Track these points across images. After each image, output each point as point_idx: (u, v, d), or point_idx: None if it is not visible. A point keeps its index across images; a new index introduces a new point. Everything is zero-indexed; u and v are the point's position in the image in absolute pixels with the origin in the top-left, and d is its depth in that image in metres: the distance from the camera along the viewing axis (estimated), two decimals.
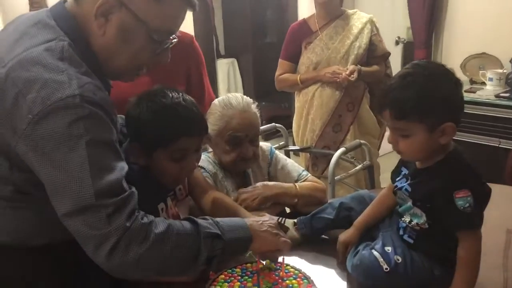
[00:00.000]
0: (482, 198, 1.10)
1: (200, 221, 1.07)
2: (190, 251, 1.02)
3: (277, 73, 2.73)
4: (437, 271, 1.15)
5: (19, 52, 0.92)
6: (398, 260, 1.15)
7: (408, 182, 1.18)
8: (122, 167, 0.97)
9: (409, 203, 1.18)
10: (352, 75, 2.47)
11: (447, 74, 1.10)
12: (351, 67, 2.50)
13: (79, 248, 1.07)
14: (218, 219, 1.12)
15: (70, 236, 1.05)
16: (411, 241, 1.19)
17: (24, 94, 0.89)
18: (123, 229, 0.91)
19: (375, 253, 1.18)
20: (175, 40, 1.08)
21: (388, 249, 1.18)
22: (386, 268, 1.14)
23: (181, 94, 1.26)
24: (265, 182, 1.61)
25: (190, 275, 1.05)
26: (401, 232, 1.22)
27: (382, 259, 1.15)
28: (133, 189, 0.98)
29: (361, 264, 1.17)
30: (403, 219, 1.21)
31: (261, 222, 1.19)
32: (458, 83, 1.10)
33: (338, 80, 2.49)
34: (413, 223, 1.17)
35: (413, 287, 1.15)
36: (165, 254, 0.97)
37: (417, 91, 1.06)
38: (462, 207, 1.05)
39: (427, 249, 1.17)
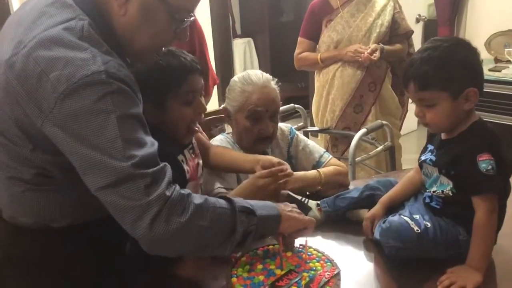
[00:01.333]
0: (504, 165, 1.13)
1: (232, 197, 1.06)
2: (227, 225, 1.01)
3: (296, 51, 2.67)
4: (462, 236, 1.18)
5: (39, 31, 0.91)
6: (428, 225, 1.18)
7: (434, 153, 1.23)
8: (153, 141, 0.96)
9: (435, 174, 1.21)
10: (374, 54, 2.41)
11: (463, 43, 1.16)
12: (373, 45, 2.44)
13: (101, 229, 1.07)
14: (247, 200, 1.10)
15: (91, 217, 1.06)
16: (438, 207, 1.22)
17: (48, 73, 0.87)
18: (163, 199, 0.90)
19: (405, 217, 1.20)
20: (192, 18, 1.06)
21: (416, 216, 1.21)
22: (417, 230, 1.16)
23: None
24: None
25: (225, 252, 1.03)
26: (427, 200, 1.25)
27: (412, 222, 1.18)
28: (166, 163, 0.97)
29: (390, 227, 1.18)
30: (428, 190, 1.25)
31: (284, 204, 1.19)
32: (475, 52, 1.16)
33: (360, 59, 2.43)
34: (437, 191, 1.21)
35: (440, 252, 1.17)
36: (204, 226, 0.96)
37: (437, 61, 1.11)
38: (485, 170, 1.09)
39: (453, 213, 1.19)
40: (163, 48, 1.13)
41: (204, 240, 0.98)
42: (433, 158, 1.21)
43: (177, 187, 0.95)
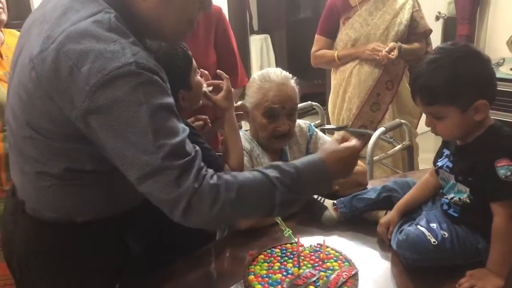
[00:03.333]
0: None
1: (268, 171, 1.02)
2: (265, 201, 1.01)
3: (313, 49, 2.66)
4: (481, 245, 1.15)
5: (67, 26, 0.92)
6: (445, 235, 1.16)
7: (450, 159, 1.20)
8: (184, 129, 0.96)
9: (452, 181, 1.19)
10: (392, 53, 2.38)
11: (473, 54, 1.12)
12: (391, 44, 2.42)
13: (121, 224, 1.08)
14: (294, 165, 1.06)
15: (114, 212, 1.08)
16: (455, 215, 1.19)
17: (79, 67, 0.88)
18: (192, 190, 0.91)
19: (421, 228, 1.18)
20: None
21: (433, 225, 1.18)
22: (434, 242, 1.14)
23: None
24: None
25: (269, 217, 1.06)
26: (445, 207, 1.22)
27: (429, 233, 1.15)
28: (197, 148, 0.98)
29: (407, 238, 1.16)
30: (445, 196, 1.22)
31: (336, 151, 1.12)
32: (485, 61, 1.12)
33: (377, 57, 2.40)
34: (455, 198, 1.18)
35: (459, 261, 1.15)
36: (239, 208, 0.98)
37: (444, 76, 1.08)
38: (504, 176, 1.06)
39: (472, 221, 1.17)
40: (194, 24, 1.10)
41: (242, 216, 1.08)
42: (450, 165, 1.19)
43: (208, 175, 0.95)
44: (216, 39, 1.86)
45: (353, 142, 1.14)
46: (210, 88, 1.44)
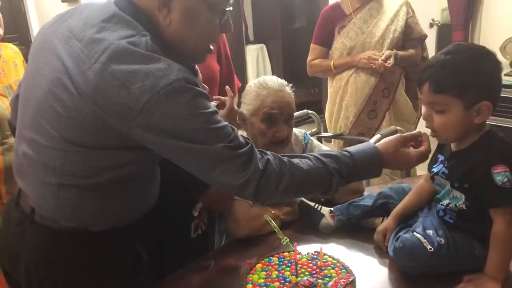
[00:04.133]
0: None
1: (327, 161, 1.12)
2: (321, 187, 1.12)
3: (309, 58, 2.67)
4: (478, 251, 1.15)
5: (106, 46, 0.94)
6: (441, 241, 1.15)
7: (445, 165, 1.19)
8: (232, 127, 1.04)
9: (447, 187, 1.18)
10: (388, 61, 2.40)
11: (488, 54, 1.12)
12: (387, 52, 2.43)
13: (132, 232, 1.13)
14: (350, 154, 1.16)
15: (129, 220, 1.12)
16: (451, 221, 1.19)
17: (128, 86, 0.92)
18: (259, 173, 1.01)
19: (418, 235, 1.17)
20: (231, 8, 1.10)
21: (430, 232, 1.18)
22: (430, 248, 1.13)
23: None
24: None
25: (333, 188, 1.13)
26: (441, 214, 1.22)
27: (425, 240, 1.15)
28: (250, 139, 1.06)
29: (404, 246, 1.16)
30: (441, 202, 1.21)
31: (396, 151, 1.20)
32: (498, 64, 1.12)
33: (374, 66, 2.42)
34: (451, 205, 1.18)
35: (455, 268, 1.14)
36: (302, 185, 1.08)
37: (457, 67, 1.08)
38: (500, 182, 1.06)
39: (468, 228, 1.16)
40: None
41: (302, 195, 1.28)
42: (446, 171, 1.18)
43: (271, 158, 1.05)
44: (218, 51, 1.93)
45: (422, 148, 1.23)
46: (215, 103, 1.49)
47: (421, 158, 1.21)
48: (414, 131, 1.28)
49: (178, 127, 0.95)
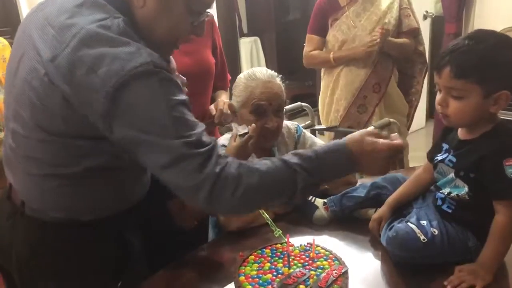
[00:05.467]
0: None
1: (288, 157, 1.05)
2: (286, 187, 1.03)
3: (306, 49, 2.63)
4: (471, 243, 1.15)
5: (77, 30, 0.93)
6: (435, 232, 1.15)
7: (452, 153, 1.17)
8: (200, 123, 1.00)
9: (451, 175, 1.17)
10: (382, 30, 2.36)
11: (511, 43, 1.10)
12: (378, 29, 2.40)
13: (123, 222, 1.13)
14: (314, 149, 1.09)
15: (118, 209, 1.11)
16: (449, 211, 1.19)
17: (95, 70, 0.90)
18: (214, 175, 0.94)
19: (411, 225, 1.17)
20: (209, 14, 1.10)
21: (424, 222, 1.18)
22: (424, 239, 1.13)
23: None
24: None
25: (292, 202, 1.07)
26: (439, 202, 1.21)
27: (419, 231, 1.15)
28: (215, 138, 1.02)
29: (397, 236, 1.16)
30: (441, 191, 1.21)
31: (361, 140, 1.08)
32: None
33: (376, 43, 2.36)
34: (452, 194, 1.17)
35: (448, 259, 1.15)
36: (261, 193, 1.00)
37: (481, 53, 1.06)
38: (511, 175, 1.05)
39: (465, 218, 1.16)
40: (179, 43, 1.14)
41: (265, 201, 1.05)
42: (453, 159, 1.16)
43: (229, 161, 0.98)
44: (213, 45, 1.94)
45: (396, 141, 1.08)
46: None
47: (393, 149, 1.07)
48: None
49: (140, 114, 0.91)
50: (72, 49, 0.91)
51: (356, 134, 1.09)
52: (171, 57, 1.40)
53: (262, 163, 1.02)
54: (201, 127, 0.98)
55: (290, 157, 1.04)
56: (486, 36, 1.09)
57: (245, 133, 1.40)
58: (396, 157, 1.11)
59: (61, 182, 1.05)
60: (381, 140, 1.07)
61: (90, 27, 0.93)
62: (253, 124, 1.41)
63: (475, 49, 1.07)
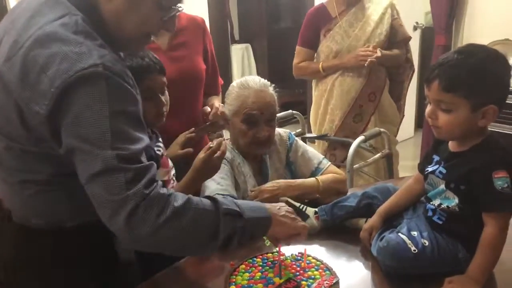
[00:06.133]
0: None
1: (219, 198, 1.04)
2: (209, 227, 0.98)
3: (295, 61, 2.65)
4: (461, 255, 1.16)
5: (34, 31, 0.91)
6: (425, 243, 1.15)
7: (442, 165, 1.18)
8: (143, 139, 0.95)
9: (441, 187, 1.18)
10: (375, 51, 2.38)
11: (501, 58, 1.11)
12: (370, 46, 2.43)
13: (108, 229, 1.07)
14: (236, 200, 1.10)
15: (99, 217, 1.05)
16: (440, 222, 1.19)
17: (45, 70, 0.88)
18: (141, 195, 0.89)
19: (402, 236, 1.17)
20: (181, 9, 1.07)
21: (414, 233, 1.18)
22: (414, 250, 1.13)
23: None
24: (288, 181, 1.59)
25: (207, 253, 1.02)
26: (429, 214, 1.22)
27: (409, 241, 1.15)
28: (153, 162, 0.96)
29: (388, 246, 1.16)
30: (432, 202, 1.21)
31: (278, 207, 1.15)
32: (509, 69, 1.11)
33: (364, 64, 2.39)
34: (443, 206, 1.18)
35: (438, 270, 1.15)
36: (183, 227, 0.93)
37: (470, 67, 1.07)
38: (500, 187, 1.06)
39: (456, 230, 1.17)
40: (151, 37, 1.11)
41: (182, 241, 0.96)
42: (444, 171, 1.17)
43: (159, 186, 0.93)
44: (204, 50, 1.91)
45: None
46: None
47: (304, 228, 1.15)
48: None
49: (80, 120, 0.87)
50: (26, 49, 0.89)
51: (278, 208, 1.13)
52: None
53: (193, 200, 0.98)
54: (141, 144, 0.94)
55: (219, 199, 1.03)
56: (475, 51, 1.10)
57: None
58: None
59: (37, 188, 1.02)
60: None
61: (47, 26, 0.91)
62: (221, 139, 1.39)
63: (464, 64, 1.08)
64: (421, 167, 1.28)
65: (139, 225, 0.89)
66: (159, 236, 0.91)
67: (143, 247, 0.95)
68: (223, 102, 1.72)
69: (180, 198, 0.95)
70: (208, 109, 1.77)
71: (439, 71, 1.10)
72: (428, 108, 1.15)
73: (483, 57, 1.08)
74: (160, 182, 0.95)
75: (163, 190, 0.94)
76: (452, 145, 1.19)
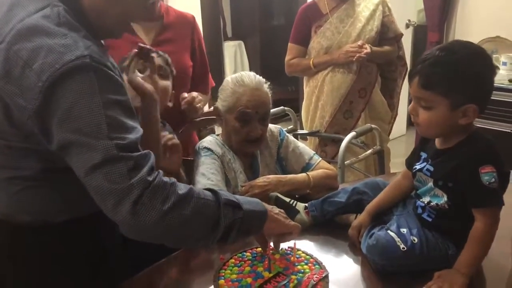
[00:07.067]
0: (503, 178, 1.10)
1: (218, 190, 1.04)
2: (211, 217, 0.97)
3: (287, 57, 2.65)
4: (451, 252, 1.16)
5: (14, 24, 0.89)
6: (415, 240, 1.15)
7: (429, 163, 1.18)
8: (138, 128, 0.94)
9: (430, 184, 1.17)
10: (364, 47, 2.39)
11: (483, 56, 1.09)
12: (360, 41, 2.43)
13: (98, 224, 1.07)
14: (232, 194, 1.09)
15: (89, 211, 1.03)
16: (429, 219, 1.19)
17: (30, 64, 0.86)
18: (145, 183, 0.88)
19: (391, 233, 1.17)
20: None
21: (404, 230, 1.18)
22: (403, 248, 1.13)
23: None
24: (279, 177, 1.59)
25: (207, 244, 1.01)
26: (419, 211, 1.22)
27: (398, 239, 1.15)
28: (149, 150, 0.96)
29: (377, 244, 1.16)
30: (421, 199, 1.21)
31: (271, 207, 1.16)
32: (492, 67, 1.10)
33: (353, 59, 2.41)
34: (432, 203, 1.17)
35: (427, 267, 1.15)
36: (187, 215, 0.92)
37: (450, 65, 1.06)
38: (487, 182, 1.06)
39: (445, 227, 1.17)
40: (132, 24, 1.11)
41: (186, 231, 0.94)
42: (431, 168, 1.16)
43: (160, 174, 0.93)
44: (192, 47, 1.89)
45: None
46: None
47: (297, 228, 1.16)
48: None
49: (71, 109, 0.85)
50: (7, 43, 0.88)
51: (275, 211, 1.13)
52: (153, 55, 1.37)
53: (194, 189, 0.97)
54: (137, 133, 0.93)
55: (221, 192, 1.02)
56: (457, 48, 1.08)
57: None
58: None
59: (25, 184, 1.01)
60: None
61: (28, 19, 0.89)
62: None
63: (444, 61, 1.06)
64: (409, 163, 1.28)
65: (145, 213, 0.87)
66: (163, 224, 0.90)
67: (147, 237, 0.93)
68: (211, 104, 1.70)
69: (183, 187, 0.95)
70: (185, 95, 1.74)
71: (420, 68, 1.09)
72: (411, 105, 1.15)
73: (464, 55, 1.07)
74: (161, 171, 0.95)
75: (166, 179, 0.93)
76: (438, 142, 1.19)
